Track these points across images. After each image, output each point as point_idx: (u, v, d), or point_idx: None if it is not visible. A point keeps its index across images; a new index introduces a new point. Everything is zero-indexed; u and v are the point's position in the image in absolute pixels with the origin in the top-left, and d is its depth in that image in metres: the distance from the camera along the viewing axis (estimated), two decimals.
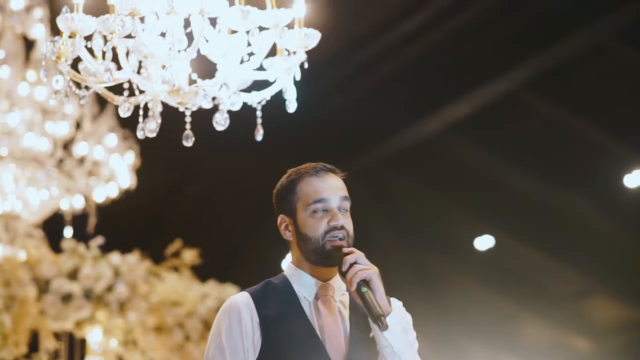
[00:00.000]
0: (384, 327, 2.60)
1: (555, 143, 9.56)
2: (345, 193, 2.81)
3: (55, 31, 3.53)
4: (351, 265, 2.66)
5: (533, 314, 11.01)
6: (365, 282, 2.65)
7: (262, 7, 3.61)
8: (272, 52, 3.80)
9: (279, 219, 2.83)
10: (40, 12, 7.73)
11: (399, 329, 2.66)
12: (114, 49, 3.58)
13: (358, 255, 2.69)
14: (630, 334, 10.46)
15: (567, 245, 10.11)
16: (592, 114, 9.08)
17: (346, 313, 2.76)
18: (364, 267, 2.66)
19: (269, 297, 2.76)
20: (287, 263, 2.89)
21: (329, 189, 2.78)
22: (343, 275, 2.68)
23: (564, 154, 9.59)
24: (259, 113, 3.80)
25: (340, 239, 2.73)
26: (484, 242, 10.79)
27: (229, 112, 3.78)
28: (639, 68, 8.74)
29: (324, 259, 2.73)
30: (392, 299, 2.79)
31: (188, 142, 3.80)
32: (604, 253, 9.87)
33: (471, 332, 11.04)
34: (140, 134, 3.81)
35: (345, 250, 2.70)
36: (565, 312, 10.67)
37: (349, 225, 2.78)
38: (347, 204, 2.80)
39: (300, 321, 2.71)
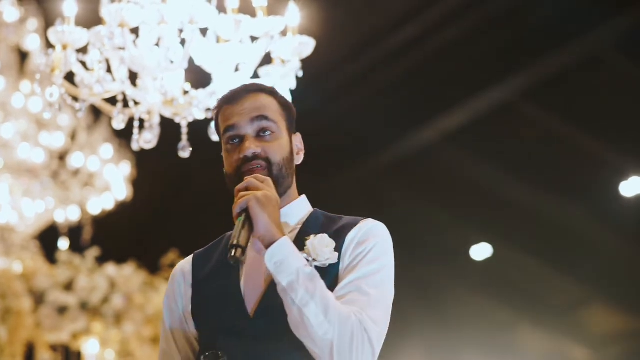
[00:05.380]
0: (231, 259, 2.13)
1: (551, 152, 9.56)
2: (264, 111, 2.35)
3: (49, 43, 3.52)
4: (238, 193, 2.23)
5: (531, 324, 11.00)
6: (246, 211, 2.19)
7: (253, 15, 3.61)
8: (268, 61, 3.80)
9: None
10: (34, 24, 7.72)
11: (289, 261, 2.15)
12: (107, 61, 3.58)
13: (250, 180, 2.23)
14: (628, 343, 10.45)
15: (564, 254, 10.11)
16: (588, 123, 9.08)
17: None
18: (244, 193, 2.20)
19: (212, 253, 2.43)
20: None
21: (240, 113, 2.34)
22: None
23: (560, 163, 9.59)
24: None
25: (258, 169, 2.30)
26: (481, 252, 10.78)
27: None
28: (635, 77, 8.75)
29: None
30: (365, 221, 2.36)
31: (185, 153, 3.80)
32: (601, 262, 9.87)
33: (469, 342, 11.02)
34: (135, 146, 3.80)
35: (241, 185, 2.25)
36: (563, 321, 10.66)
37: (273, 151, 2.33)
38: (271, 125, 2.34)
39: (229, 273, 2.32)
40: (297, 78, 3.77)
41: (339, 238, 2.32)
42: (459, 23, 8.37)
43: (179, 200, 10.78)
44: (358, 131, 9.58)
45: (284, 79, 3.72)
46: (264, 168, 2.31)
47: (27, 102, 7.75)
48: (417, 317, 10.98)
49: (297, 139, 2.47)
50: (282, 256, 2.16)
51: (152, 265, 8.37)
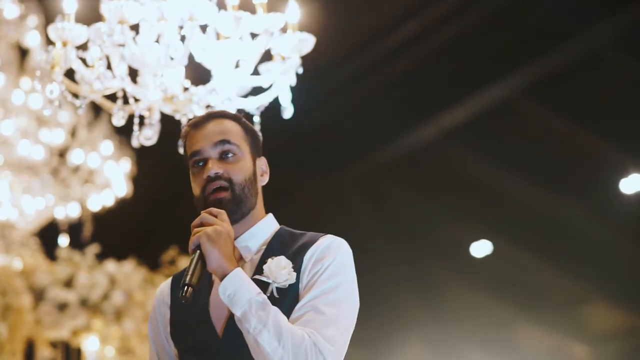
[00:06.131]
0: (182, 298, 2.22)
1: (552, 149, 9.57)
2: (226, 136, 2.44)
3: (49, 39, 3.53)
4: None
5: (531, 321, 11.00)
6: (198, 248, 2.27)
7: (253, 11, 3.61)
8: (268, 58, 3.80)
9: None
10: (34, 20, 7.72)
11: (242, 292, 2.23)
12: (107, 58, 3.58)
13: (203, 216, 2.32)
14: (628, 340, 10.45)
15: (564, 251, 10.11)
16: (588, 121, 9.08)
17: None
18: (197, 230, 2.28)
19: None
20: None
21: (204, 138, 2.43)
22: None
23: (560, 160, 9.59)
24: (257, 119, 3.79)
25: (221, 191, 2.39)
26: (482, 249, 10.78)
27: None
28: (635, 75, 8.75)
29: None
30: (323, 237, 2.41)
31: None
32: (601, 259, 9.87)
33: (469, 339, 11.02)
34: (135, 142, 3.80)
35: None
36: (563, 319, 10.67)
37: (234, 172, 2.41)
38: (233, 148, 2.43)
39: (201, 294, 2.40)
40: (297, 75, 3.77)
41: (298, 256, 2.39)
42: (459, 20, 8.38)
43: (179, 197, 10.78)
44: (359, 128, 9.59)
45: (284, 75, 3.72)
46: (226, 188, 2.40)
47: (27, 99, 7.74)
48: (416, 313, 10.99)
49: (262, 162, 2.55)
50: (233, 289, 2.24)
51: (152, 262, 8.37)
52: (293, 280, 2.34)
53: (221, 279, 2.26)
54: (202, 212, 2.34)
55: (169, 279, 2.59)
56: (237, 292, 2.24)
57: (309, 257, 2.37)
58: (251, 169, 2.47)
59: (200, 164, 2.43)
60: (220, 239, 2.27)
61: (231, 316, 2.32)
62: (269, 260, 2.36)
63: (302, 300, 2.31)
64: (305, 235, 2.46)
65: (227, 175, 2.41)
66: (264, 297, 2.25)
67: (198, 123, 2.48)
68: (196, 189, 2.44)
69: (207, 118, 2.49)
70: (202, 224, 2.30)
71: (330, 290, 2.32)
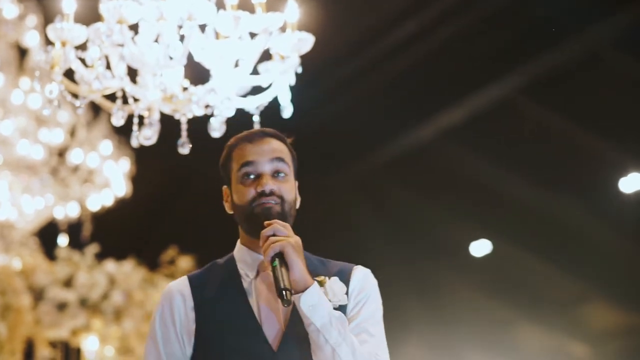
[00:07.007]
0: (285, 302, 2.35)
1: (551, 148, 9.57)
2: (281, 155, 2.57)
3: (48, 39, 3.53)
4: (267, 238, 2.42)
5: (530, 320, 11.00)
6: (280, 255, 2.40)
7: (252, 11, 3.61)
8: (267, 57, 3.80)
9: (222, 191, 2.64)
10: (33, 20, 7.71)
11: (322, 305, 2.40)
12: (106, 57, 3.58)
13: (276, 226, 2.43)
14: (628, 339, 10.45)
15: (563, 250, 10.11)
16: (587, 120, 9.08)
17: None
18: (278, 238, 2.41)
19: (209, 279, 2.58)
20: None
21: (259, 153, 2.55)
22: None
23: (559, 159, 9.59)
24: (256, 119, 3.79)
25: (272, 203, 2.51)
26: (481, 248, 10.78)
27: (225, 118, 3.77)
28: (634, 74, 8.75)
29: (254, 228, 2.49)
30: (357, 267, 2.61)
31: (184, 149, 3.81)
32: (600, 258, 9.87)
33: (468, 338, 11.02)
34: (134, 142, 3.80)
35: (266, 222, 2.46)
36: (562, 318, 10.66)
37: (285, 191, 2.54)
38: (285, 167, 2.56)
39: (238, 302, 2.51)
40: (297, 74, 3.77)
41: (344, 282, 2.57)
42: (459, 20, 8.38)
43: (179, 196, 10.79)
44: (358, 128, 9.59)
45: (283, 75, 3.72)
46: (278, 204, 2.52)
47: (26, 99, 7.74)
48: (415, 313, 10.99)
49: (296, 185, 2.67)
50: (315, 300, 2.40)
51: (152, 262, 8.38)
52: (345, 302, 2.51)
53: (301, 290, 2.39)
54: (267, 222, 2.45)
55: (181, 280, 2.62)
56: (318, 304, 2.40)
57: (354, 284, 2.57)
58: (294, 190, 2.61)
59: (251, 177, 2.54)
60: (300, 251, 2.43)
61: (287, 331, 2.47)
62: (326, 279, 2.51)
63: (352, 322, 2.51)
64: (333, 262, 2.64)
65: (280, 192, 2.53)
66: (340, 312, 2.43)
67: (252, 137, 2.58)
68: (243, 199, 2.53)
69: (261, 134, 2.59)
70: (274, 234, 2.43)
71: (374, 314, 2.56)
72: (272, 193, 2.51)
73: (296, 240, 2.43)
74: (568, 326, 10.69)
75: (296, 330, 2.45)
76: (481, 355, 10.98)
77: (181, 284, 2.59)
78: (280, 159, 2.56)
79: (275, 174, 2.55)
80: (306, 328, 2.41)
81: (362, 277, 2.60)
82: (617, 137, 9.13)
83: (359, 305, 2.54)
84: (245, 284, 2.54)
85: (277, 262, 2.39)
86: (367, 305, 2.55)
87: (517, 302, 10.83)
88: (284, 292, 2.36)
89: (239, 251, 2.61)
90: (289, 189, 2.56)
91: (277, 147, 2.58)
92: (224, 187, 2.62)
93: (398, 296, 11.10)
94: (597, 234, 9.90)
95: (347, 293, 2.53)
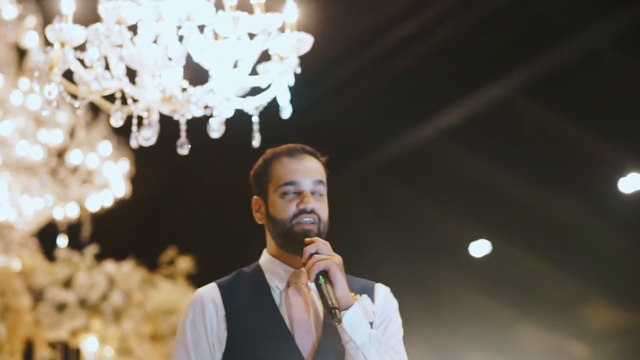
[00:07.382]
0: (337, 320, 2.44)
1: (550, 148, 9.56)
2: (321, 177, 2.68)
3: (47, 40, 3.53)
4: (311, 255, 2.50)
5: (529, 320, 11.00)
6: (324, 273, 2.49)
7: (251, 11, 3.61)
8: (266, 58, 3.79)
9: (253, 201, 2.69)
10: (32, 21, 7.71)
11: (362, 324, 2.50)
12: (105, 58, 3.58)
13: (319, 245, 2.52)
14: (627, 339, 10.45)
15: (563, 250, 10.11)
16: (587, 120, 9.08)
17: (320, 302, 2.58)
18: (322, 257, 2.49)
19: (238, 288, 2.62)
20: None
21: (302, 171, 2.64)
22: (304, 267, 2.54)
23: (558, 159, 9.59)
24: (255, 119, 3.79)
25: (310, 224, 2.59)
26: (480, 249, 10.78)
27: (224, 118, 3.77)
28: (633, 74, 8.75)
29: (291, 244, 2.57)
30: (378, 285, 2.71)
31: (183, 150, 3.81)
32: (600, 258, 9.87)
33: (467, 338, 11.02)
34: (134, 143, 3.80)
35: (307, 240, 2.54)
36: (561, 318, 10.66)
37: (322, 211, 2.64)
38: (322, 189, 2.67)
39: (269, 312, 2.56)
40: (296, 75, 3.77)
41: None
42: (458, 20, 8.37)
43: (178, 197, 10.79)
44: (357, 128, 9.58)
45: (282, 75, 3.72)
46: (315, 223, 2.61)
47: (25, 100, 7.73)
48: (415, 313, 10.98)
49: None
50: (356, 319, 2.49)
51: (151, 263, 8.38)
52: (372, 319, 2.59)
53: (345, 307, 2.48)
54: (308, 239, 2.54)
55: (211, 287, 2.66)
56: (359, 323, 2.49)
57: (378, 302, 2.66)
58: (327, 210, 2.70)
59: (292, 194, 2.61)
60: (343, 269, 2.53)
61: (321, 344, 2.53)
62: (358, 296, 2.58)
63: None
64: (353, 277, 2.68)
65: (318, 212, 2.62)
66: (377, 331, 2.54)
67: (293, 153, 2.67)
68: (283, 214, 2.59)
69: (302, 151, 2.69)
70: (317, 252, 2.51)
71: (396, 331, 2.67)
72: (312, 211, 2.60)
73: (339, 259, 2.52)
74: (568, 326, 10.69)
75: (329, 343, 2.53)
76: (481, 355, 10.98)
77: (212, 291, 2.64)
78: (321, 181, 2.67)
79: (315, 193, 2.64)
80: (344, 344, 2.49)
81: (385, 295, 2.70)
82: (616, 137, 9.13)
83: (384, 324, 2.64)
84: (274, 295, 2.60)
85: (322, 280, 2.48)
86: (392, 324, 2.66)
87: (517, 302, 10.83)
88: (333, 310, 2.44)
89: (268, 262, 2.65)
90: (325, 209, 2.66)
91: (317, 168, 2.69)
92: (255, 197, 2.68)
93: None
94: (597, 234, 9.90)
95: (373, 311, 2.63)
